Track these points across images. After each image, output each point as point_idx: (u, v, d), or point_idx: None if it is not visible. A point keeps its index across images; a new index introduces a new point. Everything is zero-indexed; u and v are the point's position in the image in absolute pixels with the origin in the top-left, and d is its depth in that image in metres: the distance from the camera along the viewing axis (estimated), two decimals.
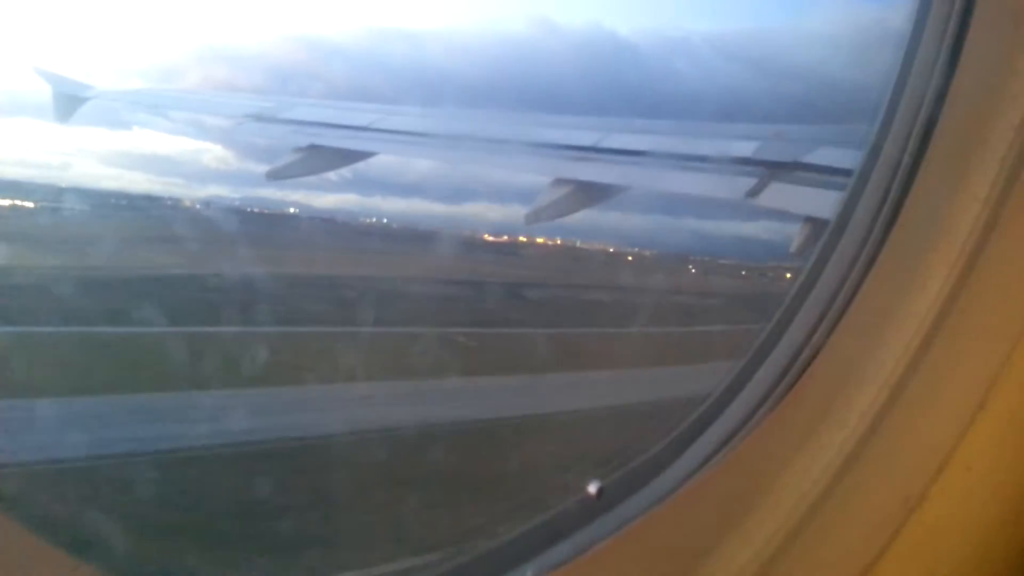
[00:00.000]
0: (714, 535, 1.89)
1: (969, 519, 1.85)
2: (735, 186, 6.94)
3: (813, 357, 1.93)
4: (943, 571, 1.82)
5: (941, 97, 1.87)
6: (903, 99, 1.97)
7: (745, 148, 7.06)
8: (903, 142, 1.91)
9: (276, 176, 9.98)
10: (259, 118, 10.18)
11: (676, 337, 20.66)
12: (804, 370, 1.93)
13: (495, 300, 25.19)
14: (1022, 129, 1.78)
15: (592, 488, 1.95)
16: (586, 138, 8.03)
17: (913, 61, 1.97)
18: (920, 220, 1.89)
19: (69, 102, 12.33)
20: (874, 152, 1.99)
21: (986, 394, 1.78)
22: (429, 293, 24.29)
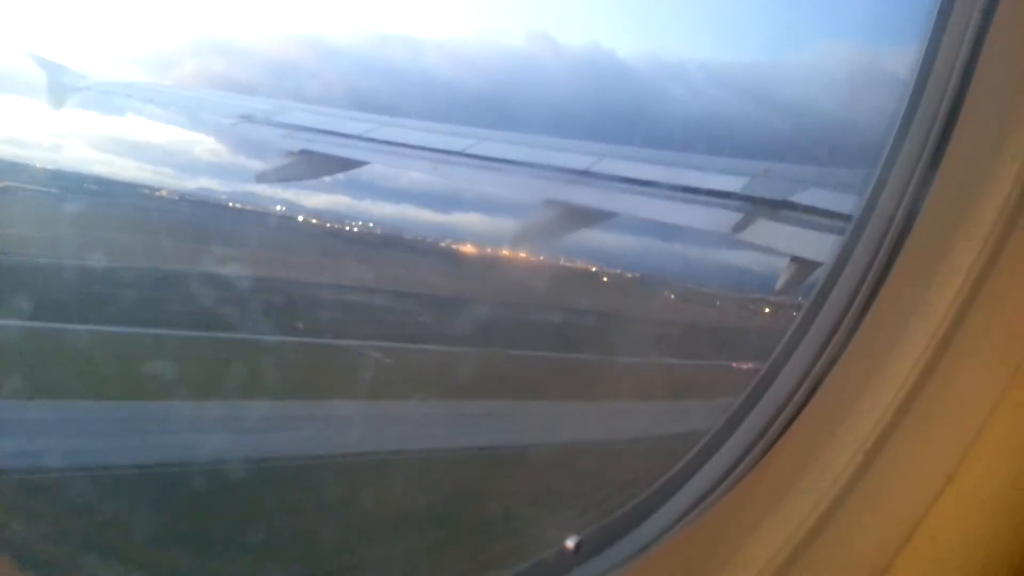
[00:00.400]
0: None
1: None
2: (722, 220, 6.98)
3: (785, 428, 1.94)
4: None
5: (944, 142, 1.88)
6: (907, 138, 1.97)
7: (735, 183, 7.11)
8: (901, 191, 1.92)
9: (266, 179, 9.96)
10: (253, 120, 10.16)
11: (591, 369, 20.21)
12: (777, 439, 1.94)
13: (436, 314, 24.72)
14: (1021, 176, 1.78)
15: (570, 542, 1.96)
16: (579, 162, 8.06)
17: (920, 100, 1.97)
18: (900, 301, 1.90)
19: (63, 90, 12.27)
20: (870, 203, 2.00)
21: (956, 467, 1.80)
22: (366, 302, 23.84)
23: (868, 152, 2.32)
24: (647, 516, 2.01)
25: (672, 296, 35.23)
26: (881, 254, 1.95)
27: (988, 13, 1.81)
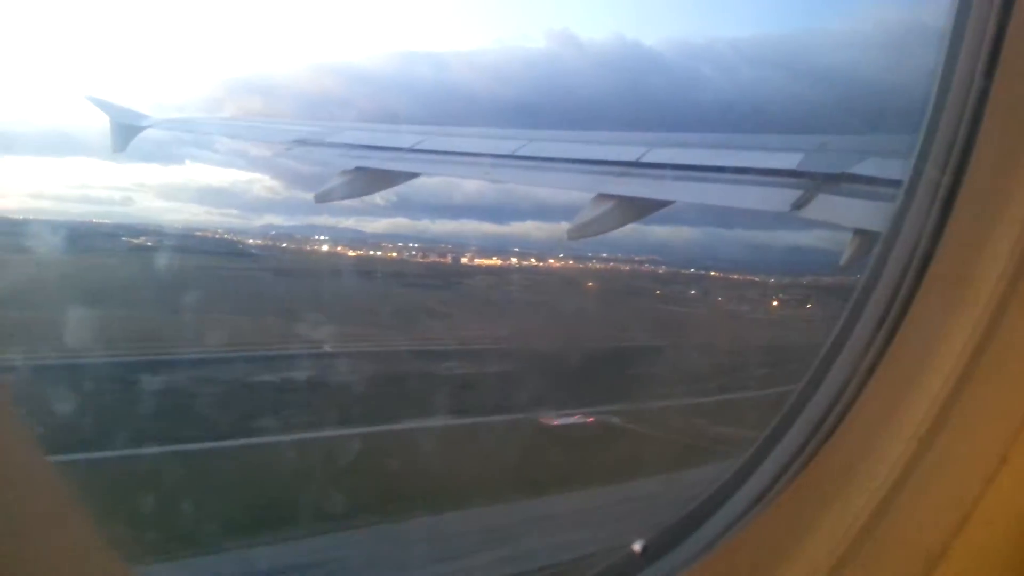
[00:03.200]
0: None
1: (990, 573, 1.81)
2: (781, 198, 6.83)
3: (840, 420, 1.93)
4: None
5: (971, 143, 1.84)
6: (936, 140, 1.95)
7: (791, 160, 6.96)
8: (927, 208, 1.89)
9: (324, 199, 10.15)
10: (306, 143, 10.39)
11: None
12: (832, 432, 1.92)
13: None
14: None
15: (636, 546, 2.00)
16: (628, 153, 8.00)
17: (942, 109, 1.95)
18: (941, 291, 1.87)
19: (126, 131, 12.75)
20: (901, 214, 1.98)
21: (1008, 449, 1.75)
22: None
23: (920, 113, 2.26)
24: (709, 516, 2.02)
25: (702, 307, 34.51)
26: (922, 243, 1.92)
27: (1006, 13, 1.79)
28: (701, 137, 8.16)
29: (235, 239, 35.82)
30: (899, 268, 1.96)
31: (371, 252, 36.31)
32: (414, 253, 38.27)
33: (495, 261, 37.75)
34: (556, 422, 18.47)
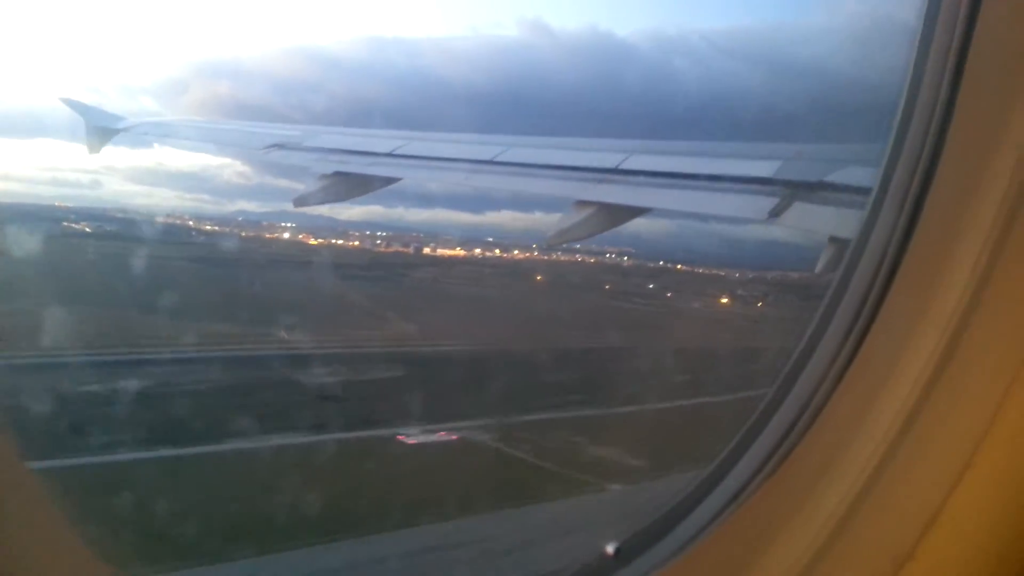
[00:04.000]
0: None
1: (958, 574, 1.84)
2: (758, 206, 6.89)
3: (812, 422, 1.95)
4: None
5: (942, 138, 1.86)
6: (907, 138, 1.97)
7: (768, 168, 7.02)
8: (896, 213, 1.92)
9: (302, 203, 10.13)
10: (284, 147, 10.35)
11: None
12: (804, 434, 1.94)
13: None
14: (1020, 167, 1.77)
15: (610, 548, 2.00)
16: (607, 160, 8.04)
17: (916, 99, 1.97)
18: (910, 295, 1.90)
19: (102, 133, 12.64)
20: (870, 219, 2.01)
21: (973, 453, 1.79)
22: None
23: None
24: (683, 518, 2.03)
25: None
26: (890, 250, 1.95)
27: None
28: (680, 145, 8.21)
29: (191, 225, 34.63)
30: (869, 273, 1.99)
31: (333, 241, 35.53)
32: (378, 243, 37.56)
33: (458, 252, 37.17)
34: (413, 440, 16.42)
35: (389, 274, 34.21)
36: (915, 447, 1.84)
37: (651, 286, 35.90)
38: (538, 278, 35.80)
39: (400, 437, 16.49)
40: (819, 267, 6.07)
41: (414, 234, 37.22)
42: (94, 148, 12.74)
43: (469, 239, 36.10)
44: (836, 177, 6.47)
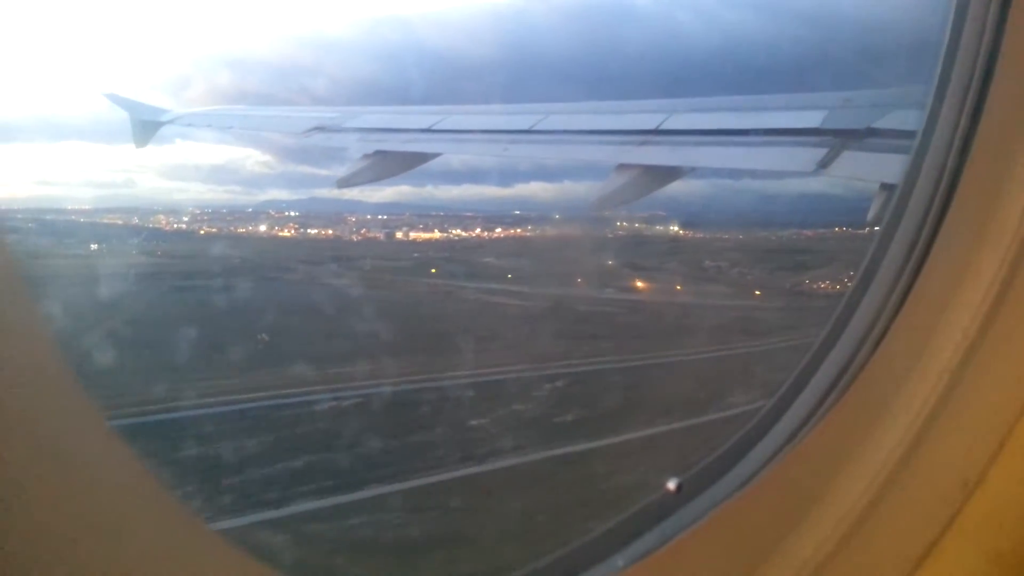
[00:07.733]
0: (786, 522, 1.97)
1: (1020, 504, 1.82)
2: (805, 158, 6.78)
3: (872, 352, 1.95)
4: (1005, 548, 1.83)
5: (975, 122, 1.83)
6: (941, 114, 1.94)
7: (812, 118, 6.89)
8: (944, 153, 1.88)
9: (346, 184, 10.20)
10: (324, 129, 10.45)
11: None
12: (864, 364, 1.94)
13: None
14: None
15: (671, 484, 2.03)
16: (647, 121, 7.96)
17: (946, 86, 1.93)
18: (966, 220, 1.86)
19: (147, 127, 12.88)
20: (919, 155, 1.98)
21: None
22: None
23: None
24: (744, 455, 2.05)
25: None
26: (940, 190, 1.93)
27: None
28: (721, 100, 8.08)
29: (239, 232, 32.71)
30: (919, 215, 1.96)
31: (326, 231, 32.91)
32: (353, 230, 34.18)
33: (435, 235, 32.71)
34: None
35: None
36: (980, 371, 1.84)
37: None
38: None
39: None
40: (871, 214, 5.96)
41: (403, 214, 33.79)
42: (140, 142, 12.98)
43: (502, 214, 33.46)
44: (884, 123, 6.33)
